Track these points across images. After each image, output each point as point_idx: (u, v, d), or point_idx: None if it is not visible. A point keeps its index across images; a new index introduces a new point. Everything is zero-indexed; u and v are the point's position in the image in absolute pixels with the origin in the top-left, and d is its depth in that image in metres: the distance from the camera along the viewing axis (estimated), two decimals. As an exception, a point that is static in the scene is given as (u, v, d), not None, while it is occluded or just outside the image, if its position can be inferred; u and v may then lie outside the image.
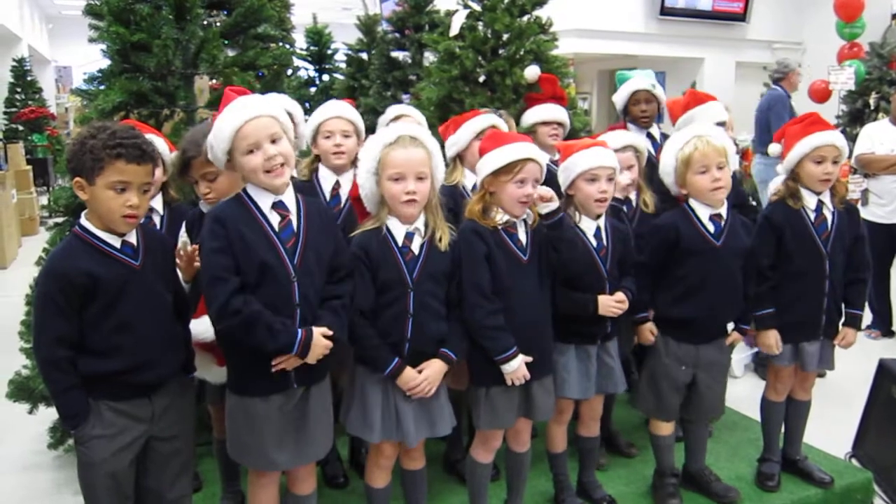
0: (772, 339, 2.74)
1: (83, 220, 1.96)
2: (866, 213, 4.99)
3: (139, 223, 1.99)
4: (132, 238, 1.98)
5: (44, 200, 10.44)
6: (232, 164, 2.02)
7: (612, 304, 2.52)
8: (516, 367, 2.30)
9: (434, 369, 2.23)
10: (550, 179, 2.62)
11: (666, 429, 2.77)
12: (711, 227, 2.58)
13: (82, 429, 1.94)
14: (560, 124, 3.37)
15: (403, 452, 2.37)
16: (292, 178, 2.93)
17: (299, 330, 1.99)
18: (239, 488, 2.70)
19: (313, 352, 2.00)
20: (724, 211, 2.61)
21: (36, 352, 1.95)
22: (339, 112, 2.83)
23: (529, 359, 2.33)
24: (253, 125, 1.97)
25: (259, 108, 2.00)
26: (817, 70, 9.47)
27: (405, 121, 3.04)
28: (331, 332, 2.04)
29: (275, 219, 2.03)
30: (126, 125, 2.02)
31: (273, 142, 1.99)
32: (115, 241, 1.95)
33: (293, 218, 2.06)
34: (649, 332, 2.70)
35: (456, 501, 2.77)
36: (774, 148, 2.85)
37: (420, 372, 2.21)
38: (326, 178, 2.77)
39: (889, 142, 4.97)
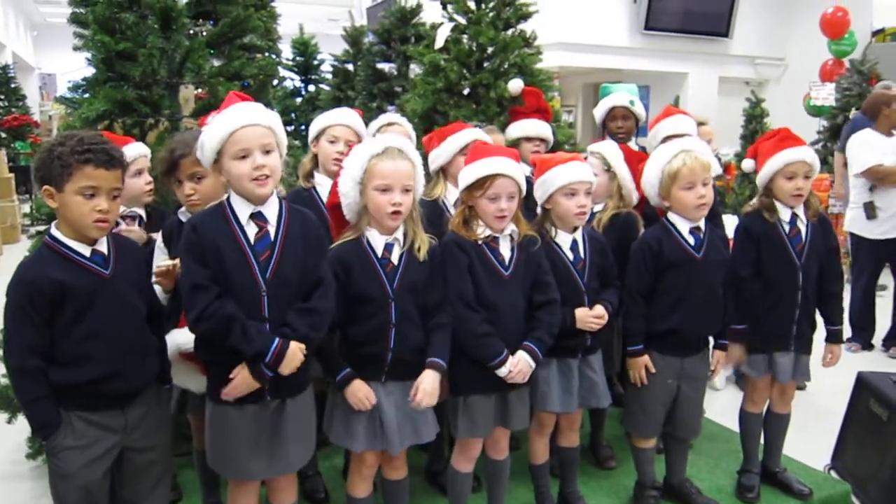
0: (737, 353, 2.78)
1: (53, 230, 1.96)
2: (865, 230, 4.98)
3: (110, 229, 1.99)
4: (102, 247, 1.98)
5: (26, 208, 10.35)
6: (218, 165, 2.02)
7: (589, 318, 2.53)
8: (510, 369, 2.32)
9: (429, 382, 2.23)
10: (527, 193, 2.64)
11: (648, 442, 2.78)
12: (692, 240, 2.61)
13: (53, 439, 1.93)
14: (543, 140, 3.39)
15: (385, 461, 2.37)
16: (292, 186, 2.96)
17: (276, 339, 1.97)
18: (218, 499, 2.68)
19: (288, 364, 1.98)
20: (702, 224, 2.64)
21: (7, 361, 1.94)
22: (350, 121, 2.86)
23: (526, 355, 2.35)
24: (249, 132, 1.99)
25: (258, 116, 2.01)
26: (800, 86, 9.61)
27: (395, 130, 3.05)
28: (302, 346, 2.01)
29: (251, 230, 2.02)
30: (94, 132, 2.02)
31: (265, 153, 2.00)
32: (85, 250, 1.94)
33: (271, 229, 2.04)
34: (643, 367, 2.63)
35: (437, 512, 2.77)
36: (747, 164, 2.89)
37: (417, 388, 2.22)
38: (323, 185, 2.78)
39: (892, 152, 4.88)
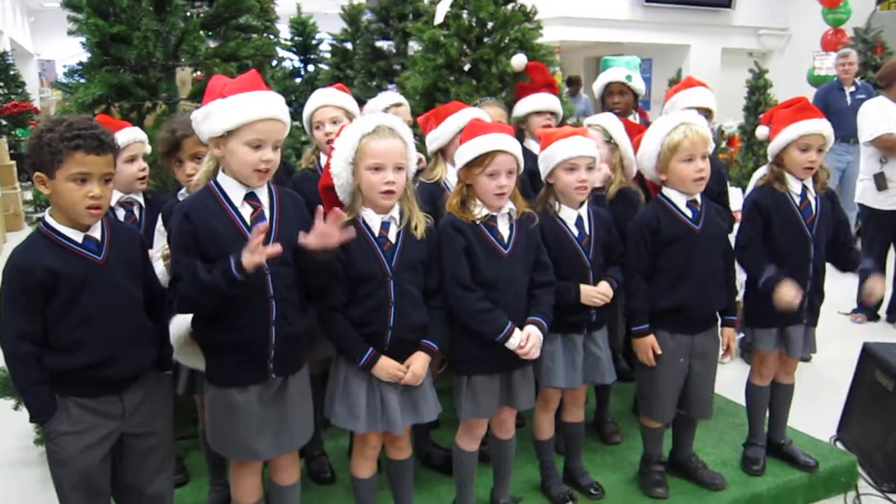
0: (784, 290, 2.61)
1: (46, 217, 1.95)
2: (875, 202, 4.93)
3: (104, 214, 1.97)
4: (96, 232, 1.96)
5: (28, 196, 10.34)
6: (218, 141, 2.00)
7: (594, 294, 2.52)
8: (519, 340, 2.31)
9: (419, 363, 2.25)
10: (535, 169, 2.62)
11: (658, 422, 2.77)
12: (689, 213, 2.58)
13: (49, 425, 1.93)
14: (553, 114, 3.34)
15: (389, 442, 2.37)
16: (295, 167, 2.95)
17: (230, 258, 1.90)
18: (226, 480, 2.69)
19: (251, 260, 1.87)
20: (698, 197, 2.61)
21: (2, 348, 1.93)
22: (324, 101, 2.85)
23: (535, 328, 2.34)
24: (270, 125, 1.99)
25: (282, 112, 2.02)
26: (804, 56, 9.51)
27: (401, 112, 3.04)
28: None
29: (246, 211, 2.03)
30: (84, 116, 1.99)
31: (274, 148, 2.01)
32: (78, 237, 1.93)
33: (265, 210, 2.05)
34: (650, 348, 2.60)
35: (442, 490, 2.77)
36: (761, 130, 2.86)
37: (407, 367, 2.23)
38: None
39: None
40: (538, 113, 3.31)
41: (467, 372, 2.37)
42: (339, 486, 2.83)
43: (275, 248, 1.92)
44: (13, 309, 1.88)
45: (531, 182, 2.72)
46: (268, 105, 2.00)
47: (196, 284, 1.93)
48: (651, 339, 2.61)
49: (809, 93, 8.35)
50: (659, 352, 2.60)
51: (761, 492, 2.81)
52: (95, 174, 1.89)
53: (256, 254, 1.88)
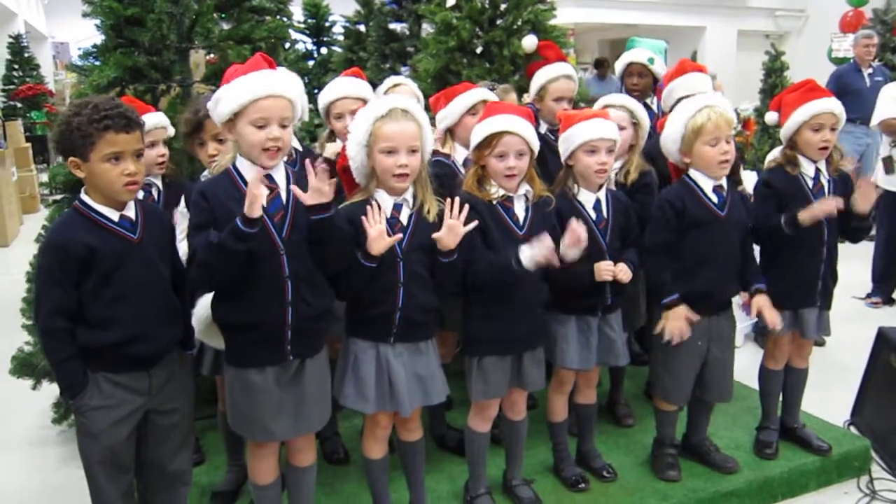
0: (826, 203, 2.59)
1: (83, 195, 1.99)
2: (887, 183, 4.90)
3: (139, 191, 2.02)
4: (130, 212, 2.01)
5: (44, 178, 10.40)
6: (230, 125, 2.02)
7: (606, 266, 2.46)
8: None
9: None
10: (547, 148, 2.60)
11: (673, 405, 2.77)
12: (715, 199, 2.56)
13: (80, 399, 1.98)
14: (568, 77, 3.21)
15: (400, 423, 2.39)
16: (311, 150, 2.95)
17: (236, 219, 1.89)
18: (243, 461, 2.71)
19: (252, 203, 1.87)
20: (724, 182, 2.59)
21: (36, 322, 1.99)
22: (347, 91, 2.84)
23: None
24: (271, 103, 1.98)
25: (284, 87, 2.01)
26: (821, 38, 9.40)
27: (400, 91, 3.01)
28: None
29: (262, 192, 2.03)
30: (107, 96, 2.03)
31: (282, 126, 2.01)
32: (114, 215, 1.98)
33: (282, 192, 2.06)
34: (684, 318, 2.51)
35: (455, 471, 2.80)
36: (771, 116, 2.84)
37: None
38: None
39: None
40: (554, 80, 3.19)
41: (478, 353, 2.39)
42: (352, 466, 2.86)
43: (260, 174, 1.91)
44: (50, 285, 1.94)
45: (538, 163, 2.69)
46: (267, 82, 1.99)
47: (208, 249, 1.93)
48: (684, 308, 2.53)
49: (827, 73, 8.28)
50: (696, 318, 2.53)
51: (774, 475, 2.81)
52: (128, 151, 1.93)
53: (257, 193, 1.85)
